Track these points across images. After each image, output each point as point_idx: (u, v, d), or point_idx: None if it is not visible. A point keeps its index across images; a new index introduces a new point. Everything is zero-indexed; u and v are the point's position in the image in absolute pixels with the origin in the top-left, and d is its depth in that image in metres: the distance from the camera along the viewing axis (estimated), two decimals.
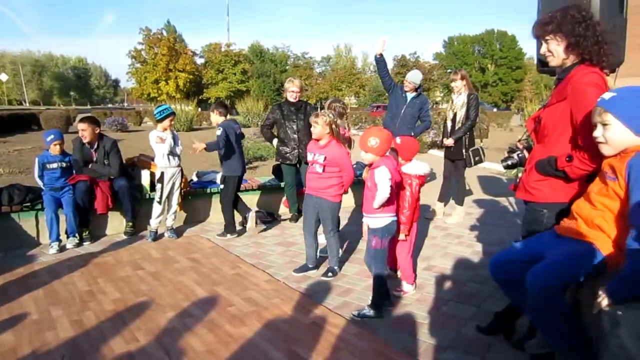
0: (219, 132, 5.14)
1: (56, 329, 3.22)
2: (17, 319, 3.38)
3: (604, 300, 1.90)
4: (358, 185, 5.72)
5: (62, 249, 4.92)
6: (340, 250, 4.33)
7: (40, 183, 5.03)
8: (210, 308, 3.55)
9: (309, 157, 4.12)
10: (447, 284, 4.03)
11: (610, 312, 1.86)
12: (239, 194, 5.63)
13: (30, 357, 2.87)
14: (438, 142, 7.69)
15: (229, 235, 5.39)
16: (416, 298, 3.73)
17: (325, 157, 3.98)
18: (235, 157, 5.34)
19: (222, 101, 5.63)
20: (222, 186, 5.54)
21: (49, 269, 4.39)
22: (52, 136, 5.05)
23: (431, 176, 9.19)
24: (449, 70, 51.19)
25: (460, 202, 6.22)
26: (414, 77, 6.10)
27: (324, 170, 4.00)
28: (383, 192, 3.23)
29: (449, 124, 5.97)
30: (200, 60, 52.93)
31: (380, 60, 6.10)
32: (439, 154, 10.32)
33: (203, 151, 5.01)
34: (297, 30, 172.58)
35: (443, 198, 6.41)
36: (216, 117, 5.40)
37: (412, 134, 6.27)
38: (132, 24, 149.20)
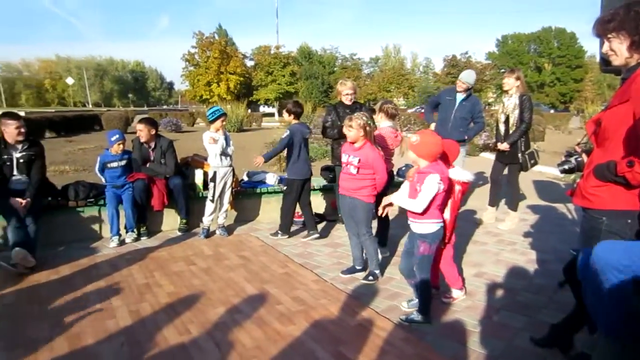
0: (284, 135, 5.23)
1: (116, 318, 3.41)
2: (82, 306, 3.60)
3: None
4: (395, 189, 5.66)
5: (121, 242, 5.18)
6: (380, 254, 4.29)
7: (100, 176, 5.32)
8: (259, 305, 3.63)
9: (344, 159, 4.11)
10: (499, 292, 3.91)
11: None
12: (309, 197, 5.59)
13: (93, 343, 3.05)
14: (490, 144, 7.48)
15: (279, 235, 5.48)
16: (466, 305, 3.65)
17: (359, 160, 3.97)
18: (302, 161, 5.34)
19: (298, 101, 5.62)
20: (284, 188, 5.54)
21: (110, 262, 4.65)
22: (117, 136, 5.33)
23: (483, 180, 8.94)
24: (502, 70, 49.54)
25: (513, 208, 6.02)
26: (467, 77, 5.96)
27: (357, 172, 4.00)
28: (423, 199, 3.17)
29: (502, 127, 5.79)
30: (250, 63, 54.09)
31: None
32: (491, 157, 10.03)
33: (253, 152, 5.12)
34: (345, 32, 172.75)
35: (493, 202, 6.22)
36: (288, 119, 5.47)
37: (466, 137, 6.13)
38: (184, 28, 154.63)
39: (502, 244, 5.26)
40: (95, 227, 5.44)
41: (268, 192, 6.29)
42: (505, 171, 5.97)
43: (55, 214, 5.17)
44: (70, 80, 64.11)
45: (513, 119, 5.64)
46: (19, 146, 4.72)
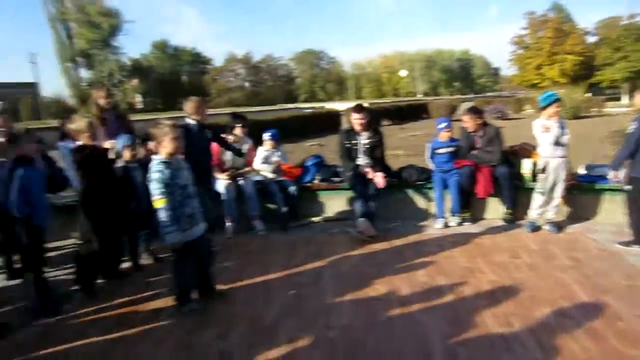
0: (633, 126, 4.37)
1: (439, 293, 3.66)
2: (410, 278, 4.02)
3: None
4: None
5: (445, 225, 5.47)
6: None
7: (430, 164, 5.73)
8: (593, 316, 3.21)
9: None
10: None
11: None
12: None
13: (417, 310, 3.38)
14: None
15: (635, 247, 4.47)
16: None
17: None
18: None
19: None
20: (629, 187, 4.54)
21: (435, 241, 4.99)
22: (445, 124, 5.64)
23: None
24: None
25: None
26: None
27: None
28: None
29: None
30: (592, 39, 47.15)
31: None
32: None
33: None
34: None
35: None
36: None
37: None
38: (515, 12, 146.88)
39: None
40: (424, 207, 5.91)
41: (611, 190, 5.39)
42: None
43: (392, 193, 5.89)
44: (403, 73, 71.17)
45: None
46: (365, 134, 5.56)
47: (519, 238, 4.98)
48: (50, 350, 3.11)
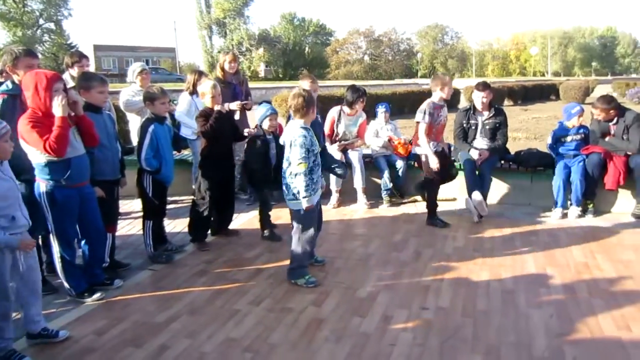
0: None
1: (549, 288, 3.43)
2: (519, 267, 3.81)
3: None
4: None
5: (564, 215, 5.04)
6: None
7: (551, 152, 5.27)
8: None
9: None
10: None
11: None
12: None
13: (523, 304, 3.20)
14: None
15: None
16: None
17: None
18: None
19: None
20: None
21: (550, 232, 4.64)
22: (577, 108, 5.14)
23: None
24: None
25: None
26: None
27: None
28: None
29: None
30: None
31: None
32: None
33: None
34: None
35: None
36: None
37: None
38: None
39: None
40: (542, 195, 5.43)
41: None
42: None
43: (507, 177, 5.56)
44: (534, 50, 65.31)
45: None
46: (486, 113, 5.26)
47: None
48: (162, 292, 3.50)
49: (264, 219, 4.59)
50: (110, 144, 3.65)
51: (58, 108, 2.94)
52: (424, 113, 4.68)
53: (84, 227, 3.37)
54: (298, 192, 3.42)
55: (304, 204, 3.42)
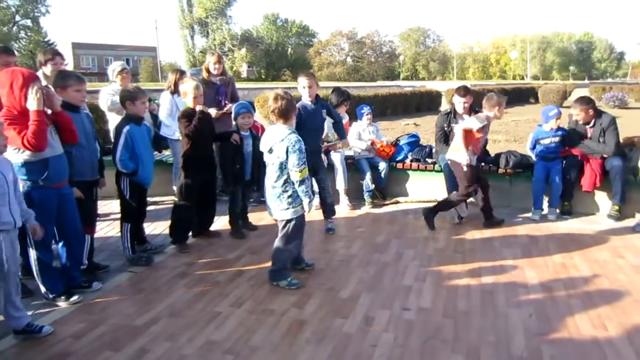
0: None
1: (528, 288, 3.49)
2: (498, 267, 3.86)
3: None
4: None
5: (542, 216, 5.11)
6: None
7: (531, 153, 5.36)
8: None
9: None
10: None
11: None
12: None
13: (503, 304, 3.26)
14: None
15: None
16: None
17: None
18: None
19: None
20: None
21: (529, 232, 4.71)
22: (554, 111, 5.23)
23: None
24: None
25: None
26: None
27: None
28: None
29: None
30: None
31: None
32: None
33: None
34: None
35: None
36: None
37: None
38: None
39: None
40: (521, 197, 5.51)
41: None
42: None
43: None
44: (514, 54, 66.47)
45: None
46: (466, 117, 5.31)
47: (625, 237, 4.53)
48: (142, 295, 3.45)
49: (233, 219, 4.65)
50: (89, 144, 3.58)
51: (33, 102, 2.88)
52: (481, 122, 4.61)
53: (62, 228, 3.31)
54: (294, 200, 3.36)
55: (307, 208, 3.41)
